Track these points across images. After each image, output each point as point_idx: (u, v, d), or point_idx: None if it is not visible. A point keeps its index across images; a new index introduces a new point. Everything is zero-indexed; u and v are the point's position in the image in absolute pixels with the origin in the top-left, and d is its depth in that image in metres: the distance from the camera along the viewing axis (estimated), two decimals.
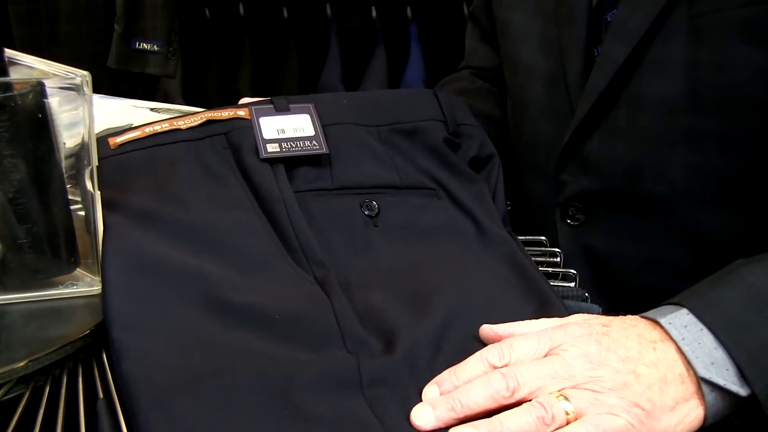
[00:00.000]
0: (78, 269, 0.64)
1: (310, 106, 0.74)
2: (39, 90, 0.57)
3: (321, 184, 0.71)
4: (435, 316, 0.60)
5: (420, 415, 0.52)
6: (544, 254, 0.77)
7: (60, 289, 0.63)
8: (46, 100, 0.58)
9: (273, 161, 0.70)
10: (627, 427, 0.51)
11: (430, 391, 0.54)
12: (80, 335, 0.59)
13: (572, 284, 0.71)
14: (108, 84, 1.73)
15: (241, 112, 0.73)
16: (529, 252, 0.71)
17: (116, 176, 0.68)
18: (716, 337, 0.55)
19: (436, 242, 0.69)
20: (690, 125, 0.76)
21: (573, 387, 0.53)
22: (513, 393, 0.52)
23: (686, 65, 0.75)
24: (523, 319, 0.60)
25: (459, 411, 0.52)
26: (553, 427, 0.51)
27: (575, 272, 0.72)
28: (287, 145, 0.71)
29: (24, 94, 0.57)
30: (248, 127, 0.72)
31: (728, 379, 0.54)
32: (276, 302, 0.60)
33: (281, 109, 0.73)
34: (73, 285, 0.63)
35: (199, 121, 0.72)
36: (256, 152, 0.70)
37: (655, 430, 0.53)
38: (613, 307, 0.64)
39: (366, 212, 0.70)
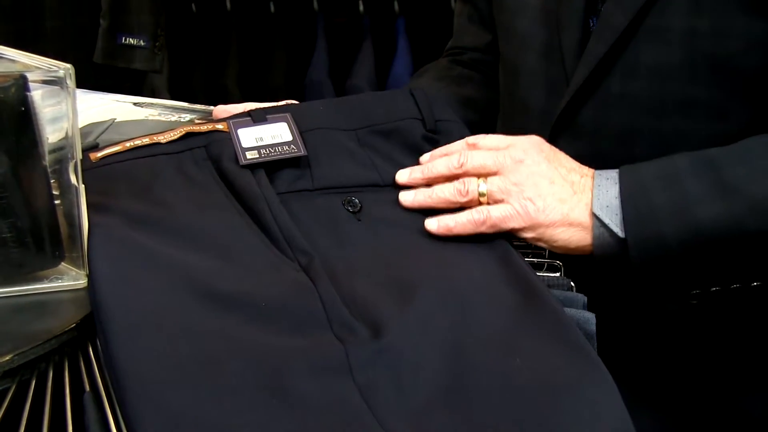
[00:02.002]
0: (62, 263, 0.63)
1: (287, 115, 0.76)
2: (21, 83, 0.57)
3: (302, 185, 0.72)
4: (420, 303, 0.60)
5: (400, 174, 0.75)
6: (528, 245, 0.78)
7: (45, 284, 0.63)
8: (28, 93, 0.58)
9: (253, 167, 0.71)
10: (512, 214, 0.70)
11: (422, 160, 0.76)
12: (66, 329, 0.59)
13: (557, 274, 0.71)
14: (94, 80, 1.72)
15: (220, 126, 0.74)
16: (513, 243, 0.72)
17: (99, 184, 0.68)
18: (620, 192, 0.70)
19: (419, 234, 0.70)
20: (683, 93, 0.77)
21: (496, 173, 0.72)
22: (461, 166, 0.73)
23: (684, 33, 0.76)
24: (509, 307, 0.61)
25: (425, 174, 0.74)
26: (465, 199, 0.72)
27: (560, 263, 0.73)
28: (266, 151, 0.72)
29: (6, 87, 0.57)
30: (227, 139, 0.73)
31: (613, 221, 0.70)
32: (262, 289, 0.60)
33: (258, 120, 0.75)
34: (57, 279, 0.63)
35: (179, 135, 0.74)
36: (236, 161, 0.71)
37: (538, 222, 0.70)
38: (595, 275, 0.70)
39: (348, 208, 0.71)
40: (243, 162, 0.71)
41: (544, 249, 0.77)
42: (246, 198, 0.69)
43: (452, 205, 0.72)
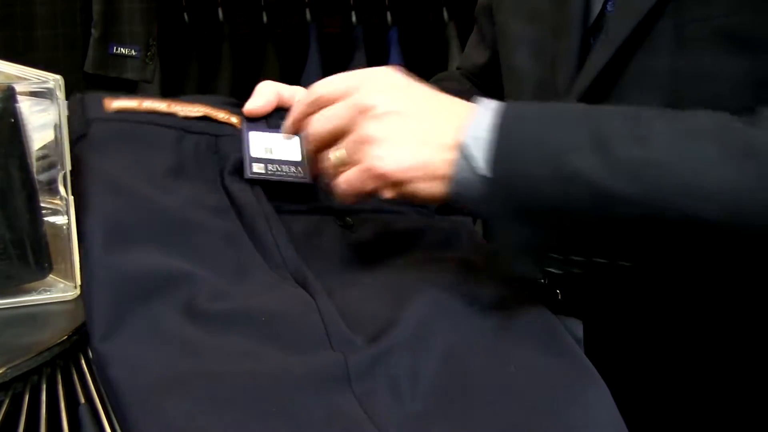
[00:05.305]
0: (51, 275, 0.63)
1: None
2: (9, 95, 0.57)
3: (296, 207, 0.72)
4: (415, 313, 0.61)
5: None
6: None
7: (33, 296, 0.63)
8: (17, 104, 0.57)
9: (254, 182, 0.70)
10: (360, 178, 0.61)
11: None
12: (57, 341, 0.58)
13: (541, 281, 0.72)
14: (85, 89, 1.71)
15: (234, 119, 0.73)
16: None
17: (104, 146, 0.67)
18: (496, 121, 0.59)
19: (410, 248, 0.70)
20: None
21: (350, 131, 0.62)
22: (312, 141, 0.65)
23: (668, 75, 0.73)
24: (500, 315, 0.62)
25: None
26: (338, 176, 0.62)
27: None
28: (273, 168, 0.71)
29: None
30: (238, 137, 0.72)
31: (479, 156, 0.59)
32: (260, 304, 0.60)
33: (273, 126, 0.73)
34: (46, 291, 0.63)
35: (196, 114, 0.72)
36: (241, 167, 0.70)
37: (391, 180, 0.60)
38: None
39: (340, 225, 0.71)
40: (248, 175, 0.70)
41: None
42: (245, 212, 0.68)
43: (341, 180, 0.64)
